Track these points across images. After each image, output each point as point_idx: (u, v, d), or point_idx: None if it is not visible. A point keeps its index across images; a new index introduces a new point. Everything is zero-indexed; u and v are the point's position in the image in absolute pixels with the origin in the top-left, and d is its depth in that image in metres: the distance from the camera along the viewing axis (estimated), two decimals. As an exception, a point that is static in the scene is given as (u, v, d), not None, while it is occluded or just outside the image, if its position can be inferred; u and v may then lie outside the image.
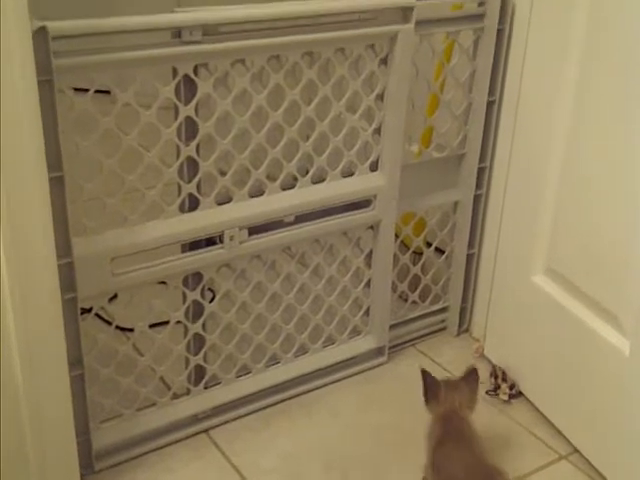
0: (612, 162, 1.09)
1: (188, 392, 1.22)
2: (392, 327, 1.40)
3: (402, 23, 1.17)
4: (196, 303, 1.17)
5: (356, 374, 1.37)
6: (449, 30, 1.26)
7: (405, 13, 1.16)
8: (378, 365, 1.40)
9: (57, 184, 0.95)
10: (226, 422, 1.25)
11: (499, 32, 1.27)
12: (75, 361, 1.04)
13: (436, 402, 1.11)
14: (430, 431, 1.11)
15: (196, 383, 1.22)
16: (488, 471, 1.03)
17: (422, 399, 1.12)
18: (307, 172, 1.20)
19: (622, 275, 1.08)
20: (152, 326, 1.15)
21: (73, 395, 1.01)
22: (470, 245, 1.43)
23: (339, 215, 1.24)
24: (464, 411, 1.10)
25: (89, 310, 1.08)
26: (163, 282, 1.14)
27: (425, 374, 1.11)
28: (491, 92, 1.31)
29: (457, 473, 1.04)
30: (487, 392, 1.34)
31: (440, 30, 1.25)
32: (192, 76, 1.03)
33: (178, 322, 1.17)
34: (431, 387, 1.11)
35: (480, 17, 1.27)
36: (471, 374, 1.13)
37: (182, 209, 1.10)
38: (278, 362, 1.30)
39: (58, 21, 0.91)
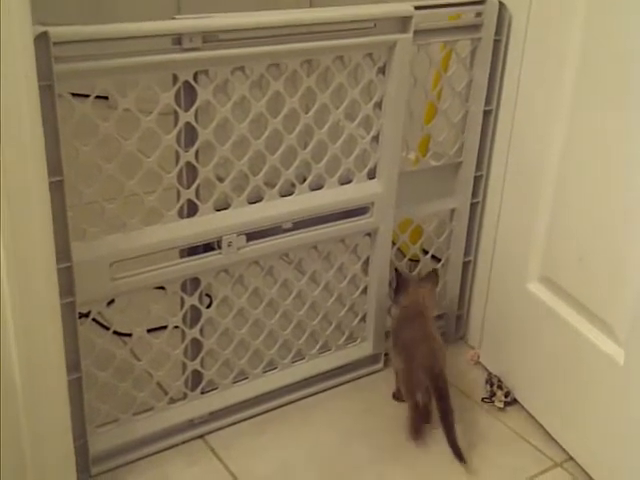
0: (607, 171, 1.10)
1: (185, 397, 1.22)
2: (388, 334, 1.41)
3: (400, 32, 1.18)
4: (194, 308, 1.17)
5: (352, 380, 1.38)
6: (447, 40, 1.27)
7: (403, 23, 1.18)
8: (374, 372, 1.40)
9: (57, 188, 0.95)
10: (222, 427, 1.25)
11: (496, 42, 1.28)
12: (72, 365, 1.04)
13: (405, 294, 1.30)
14: (394, 318, 1.33)
15: (193, 388, 1.22)
16: (430, 340, 1.23)
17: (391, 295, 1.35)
18: (305, 179, 1.21)
19: (616, 284, 1.09)
20: (150, 331, 1.15)
21: (70, 399, 1.01)
22: (466, 253, 1.44)
23: (337, 222, 1.25)
24: (426, 302, 1.29)
25: (87, 314, 1.08)
26: (161, 287, 1.14)
27: (397, 271, 1.34)
28: (488, 101, 1.32)
29: (407, 341, 1.25)
30: (483, 399, 1.35)
31: (438, 40, 1.26)
32: (192, 83, 1.04)
33: (176, 327, 1.17)
34: (401, 282, 1.32)
35: (477, 27, 1.28)
36: (432, 274, 1.35)
37: (181, 215, 1.11)
38: (275, 368, 1.30)
39: (59, 27, 0.91)
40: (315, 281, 1.29)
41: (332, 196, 1.23)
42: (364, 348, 1.39)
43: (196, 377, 1.22)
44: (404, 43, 1.18)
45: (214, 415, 1.25)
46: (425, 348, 1.22)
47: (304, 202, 1.20)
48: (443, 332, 1.49)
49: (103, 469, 1.15)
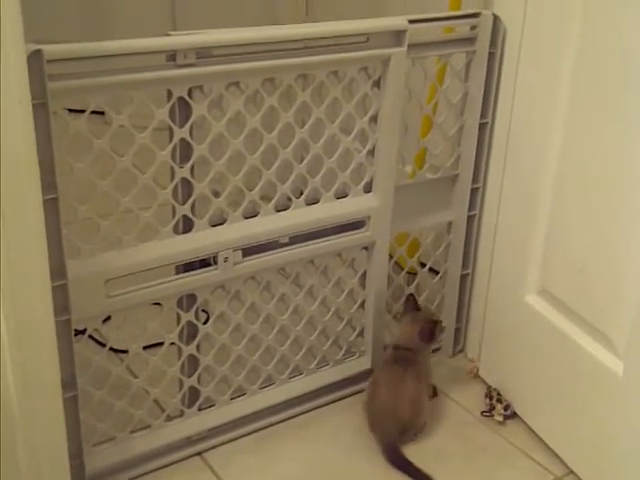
0: (605, 182, 1.10)
1: (182, 414, 1.21)
2: (386, 347, 1.40)
3: (395, 46, 1.18)
4: (190, 324, 1.17)
5: (351, 395, 1.37)
6: (441, 53, 1.27)
7: (398, 36, 1.18)
8: (373, 386, 1.40)
9: (51, 206, 0.95)
10: (220, 444, 1.24)
11: (491, 55, 1.28)
12: (68, 383, 1.04)
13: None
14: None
15: (190, 405, 1.21)
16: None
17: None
18: (301, 193, 1.21)
19: (614, 296, 1.09)
20: (146, 348, 1.14)
21: (66, 417, 1.00)
22: (464, 265, 1.44)
23: (333, 236, 1.25)
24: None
25: (83, 332, 1.07)
26: (157, 303, 1.13)
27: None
28: (483, 114, 1.32)
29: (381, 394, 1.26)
30: (482, 413, 1.34)
31: (432, 53, 1.26)
32: (187, 98, 1.04)
33: (172, 344, 1.16)
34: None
35: (472, 40, 1.28)
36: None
37: (176, 231, 1.11)
38: (272, 383, 1.29)
39: (53, 44, 0.91)
40: (312, 296, 1.29)
41: (328, 210, 1.23)
42: (362, 362, 1.38)
43: (193, 394, 1.21)
44: (399, 57, 1.18)
45: (212, 432, 1.24)
46: (382, 398, 1.24)
47: (300, 216, 1.20)
48: (440, 347, 1.49)
49: (100, 488, 1.14)
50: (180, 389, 1.20)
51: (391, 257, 1.36)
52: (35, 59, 0.88)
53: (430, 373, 1.31)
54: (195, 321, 1.16)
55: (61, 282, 0.99)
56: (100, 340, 1.17)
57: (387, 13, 1.21)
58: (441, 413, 1.34)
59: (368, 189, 1.27)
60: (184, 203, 1.09)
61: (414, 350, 1.27)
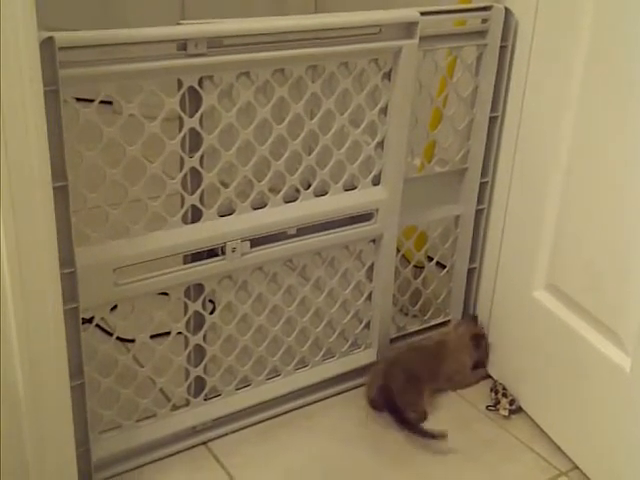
0: (614, 178, 1.09)
1: (188, 404, 1.21)
2: (393, 340, 1.41)
3: (406, 38, 1.17)
4: (197, 314, 1.17)
5: (357, 387, 1.37)
6: (452, 46, 1.27)
7: (409, 28, 1.17)
8: (378, 379, 1.40)
9: (61, 194, 0.95)
10: (226, 434, 1.25)
11: (502, 49, 1.28)
12: (75, 371, 1.04)
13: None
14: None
15: (196, 395, 1.21)
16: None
17: None
18: (309, 185, 1.20)
19: (622, 292, 1.09)
20: (153, 337, 1.15)
21: (73, 405, 1.00)
22: (471, 260, 1.43)
23: (341, 228, 1.25)
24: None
25: (90, 320, 1.07)
26: (165, 293, 1.14)
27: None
28: (493, 108, 1.32)
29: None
30: (487, 407, 1.34)
31: (443, 46, 1.26)
32: (197, 88, 1.04)
33: (179, 333, 1.17)
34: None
35: (483, 34, 1.27)
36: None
37: (185, 220, 1.11)
38: (278, 375, 1.30)
39: (65, 32, 0.91)
40: (319, 287, 1.29)
41: (336, 202, 1.23)
42: (368, 355, 1.38)
43: (199, 383, 1.21)
44: (410, 49, 1.18)
45: (217, 422, 1.24)
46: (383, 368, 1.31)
47: (308, 208, 1.20)
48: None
49: (105, 476, 1.14)
50: (186, 379, 1.20)
51: (398, 250, 1.35)
52: (47, 46, 0.88)
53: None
54: (202, 311, 1.17)
55: (69, 270, 0.99)
56: (107, 329, 1.17)
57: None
58: (446, 407, 1.34)
59: (376, 181, 1.26)
60: (193, 193, 1.09)
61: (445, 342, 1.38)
